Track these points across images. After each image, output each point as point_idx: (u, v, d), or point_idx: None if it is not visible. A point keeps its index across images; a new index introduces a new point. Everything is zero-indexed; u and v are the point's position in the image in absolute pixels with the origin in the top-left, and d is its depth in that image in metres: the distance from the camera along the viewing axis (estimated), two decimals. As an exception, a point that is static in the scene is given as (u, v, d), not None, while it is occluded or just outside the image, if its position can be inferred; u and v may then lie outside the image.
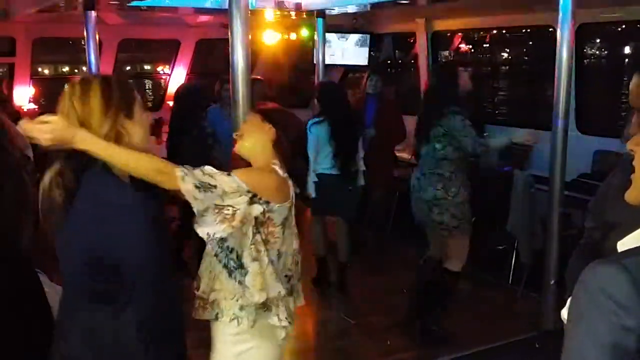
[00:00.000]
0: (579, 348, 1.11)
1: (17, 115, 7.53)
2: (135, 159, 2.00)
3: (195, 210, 2.12)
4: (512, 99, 8.45)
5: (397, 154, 6.99)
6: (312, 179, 5.09)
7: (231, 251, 2.27)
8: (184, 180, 2.04)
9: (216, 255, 2.31)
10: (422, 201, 4.41)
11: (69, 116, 1.98)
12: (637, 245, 1.17)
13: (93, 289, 1.98)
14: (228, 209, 2.14)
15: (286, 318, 2.37)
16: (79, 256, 1.98)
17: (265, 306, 2.31)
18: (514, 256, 5.34)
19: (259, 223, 2.26)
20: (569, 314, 1.17)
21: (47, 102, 8.88)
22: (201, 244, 2.37)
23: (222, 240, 2.25)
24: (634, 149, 1.33)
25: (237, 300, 2.29)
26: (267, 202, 2.25)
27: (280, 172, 2.35)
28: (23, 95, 8.41)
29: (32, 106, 8.47)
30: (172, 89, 9.36)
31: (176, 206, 6.00)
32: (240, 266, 2.27)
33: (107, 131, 1.99)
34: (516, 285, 5.24)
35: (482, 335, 4.50)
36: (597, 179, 5.29)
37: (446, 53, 8.22)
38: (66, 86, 2.06)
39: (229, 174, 2.16)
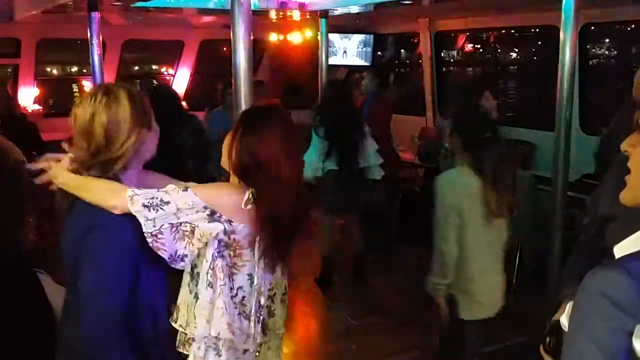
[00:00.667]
0: (581, 353, 1.10)
1: (21, 115, 7.58)
2: (92, 185, 1.97)
3: (146, 232, 1.89)
4: (516, 99, 8.43)
5: (401, 155, 7.00)
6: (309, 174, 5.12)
7: (198, 277, 2.05)
8: (132, 200, 1.90)
9: (188, 284, 2.09)
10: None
11: (93, 125, 1.97)
12: (636, 249, 1.16)
13: None
14: (185, 225, 1.93)
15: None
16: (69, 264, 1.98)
17: (215, 343, 2.06)
18: (518, 257, 5.33)
19: (224, 245, 2.00)
20: (570, 319, 1.16)
21: (52, 103, 8.92)
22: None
23: (193, 267, 2.06)
24: (628, 150, 1.33)
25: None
26: (229, 221, 1.98)
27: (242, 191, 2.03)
28: (28, 96, 8.44)
29: (37, 107, 8.50)
30: (176, 89, 9.40)
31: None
32: (194, 295, 2.05)
33: (133, 142, 1.98)
34: (520, 287, 5.23)
35: (485, 337, 4.49)
36: (601, 179, 5.28)
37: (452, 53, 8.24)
38: (88, 94, 2.02)
39: (185, 189, 1.96)
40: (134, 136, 1.98)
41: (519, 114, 8.09)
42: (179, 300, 2.14)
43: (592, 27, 6.20)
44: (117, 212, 1.91)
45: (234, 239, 2.00)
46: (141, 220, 1.89)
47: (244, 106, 2.85)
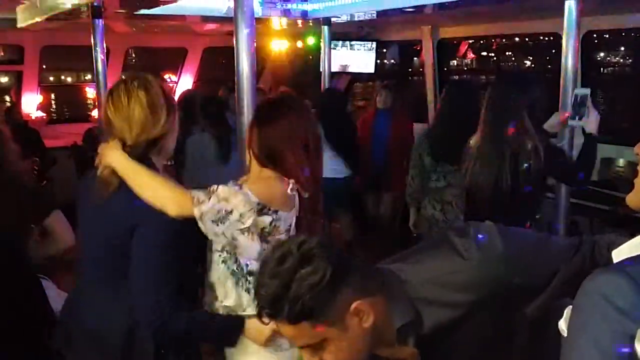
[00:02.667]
0: (582, 356, 1.09)
1: (23, 122, 7.61)
2: (155, 186, 2.02)
3: (223, 244, 2.13)
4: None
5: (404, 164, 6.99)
6: None
7: (236, 260, 2.21)
8: (202, 220, 2.02)
9: (224, 262, 2.23)
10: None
11: (134, 107, 2.05)
12: (635, 253, 1.16)
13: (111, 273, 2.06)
14: (252, 228, 2.11)
15: None
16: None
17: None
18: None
19: (266, 232, 2.18)
20: (569, 323, 1.15)
21: (55, 110, 8.96)
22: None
23: (227, 249, 2.21)
24: (638, 152, 1.33)
25: (242, 311, 2.22)
26: (276, 211, 2.17)
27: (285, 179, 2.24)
28: (31, 102, 8.47)
29: (40, 114, 8.52)
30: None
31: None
32: (248, 273, 2.20)
33: (159, 132, 2.08)
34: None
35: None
36: (604, 186, 5.26)
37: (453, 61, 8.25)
38: (118, 84, 2.12)
39: (240, 187, 2.11)
40: (170, 116, 2.10)
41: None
42: (211, 280, 2.25)
43: (595, 35, 6.20)
44: (171, 214, 2.00)
45: (276, 226, 2.17)
46: (211, 237, 2.08)
47: (246, 113, 2.86)
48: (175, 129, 2.19)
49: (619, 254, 1.23)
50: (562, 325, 1.21)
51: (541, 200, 3.63)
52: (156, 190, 2.00)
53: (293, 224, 2.27)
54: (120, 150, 2.04)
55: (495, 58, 8.85)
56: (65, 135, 7.81)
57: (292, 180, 2.19)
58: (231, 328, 2.15)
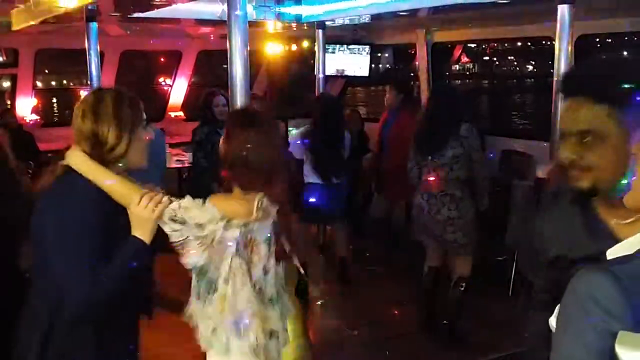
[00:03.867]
0: (568, 354, 1.13)
1: (17, 125, 7.59)
2: (123, 191, 2.08)
3: (175, 241, 2.17)
4: (512, 109, 8.47)
5: None
6: None
7: (204, 275, 2.29)
8: (162, 218, 2.12)
9: (197, 282, 2.32)
10: (434, 222, 4.53)
11: (82, 125, 2.11)
12: (626, 253, 1.18)
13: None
14: (207, 238, 2.19)
15: (263, 334, 2.34)
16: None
17: (236, 329, 2.29)
18: (514, 267, 5.34)
19: (241, 245, 2.25)
20: (557, 320, 1.18)
21: (49, 113, 8.94)
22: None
23: (201, 267, 2.27)
24: (637, 154, 1.34)
25: (209, 323, 2.30)
26: (246, 224, 2.25)
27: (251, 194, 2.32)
28: (25, 106, 8.45)
29: (35, 117, 8.51)
30: (173, 99, 9.42)
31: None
32: (214, 288, 2.28)
33: (113, 144, 2.09)
34: (516, 297, 5.23)
35: (481, 348, 4.49)
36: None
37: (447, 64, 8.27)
38: (82, 98, 2.20)
39: (204, 203, 2.20)
40: (113, 138, 2.09)
41: (515, 124, 8.11)
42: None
43: (588, 39, 6.23)
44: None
45: (250, 237, 2.27)
46: (167, 231, 2.14)
47: (240, 116, 2.86)
48: (139, 144, 2.17)
49: (612, 254, 1.24)
50: (552, 321, 1.23)
51: None
52: (110, 187, 2.07)
53: (272, 236, 2.35)
54: (78, 152, 2.10)
55: (497, 62, 8.90)
56: (59, 138, 7.79)
57: (259, 194, 2.28)
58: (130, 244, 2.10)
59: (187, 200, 2.18)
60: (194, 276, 2.32)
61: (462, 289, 4.71)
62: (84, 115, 2.11)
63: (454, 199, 4.45)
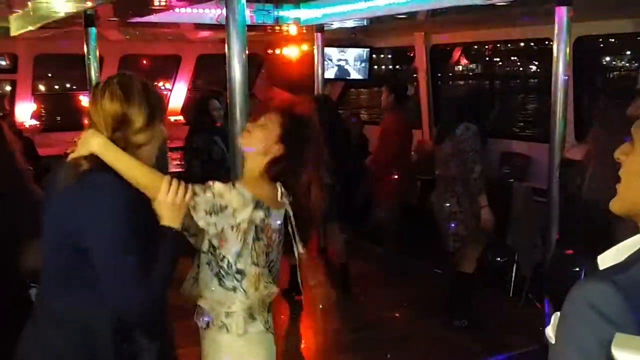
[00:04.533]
0: None
1: (18, 131, 7.59)
2: (149, 178, 2.03)
3: (211, 234, 2.18)
4: (511, 110, 8.48)
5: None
6: None
7: (222, 259, 2.28)
8: (195, 210, 2.11)
9: (208, 263, 2.31)
10: (440, 218, 4.75)
11: (108, 106, 2.02)
12: (620, 259, 1.17)
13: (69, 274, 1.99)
14: (243, 224, 2.20)
15: (270, 324, 2.40)
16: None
17: (250, 314, 2.31)
18: (514, 268, 5.34)
19: (259, 229, 2.27)
20: (557, 330, 1.16)
21: (49, 118, 8.95)
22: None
23: (214, 248, 2.27)
24: (621, 158, 1.35)
25: (226, 308, 2.30)
26: (268, 208, 2.27)
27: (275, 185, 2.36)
28: (25, 111, 8.46)
29: (34, 122, 8.51)
30: (173, 104, 9.43)
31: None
32: (237, 272, 2.27)
33: (140, 126, 2.03)
34: (517, 298, 5.24)
35: (482, 349, 4.49)
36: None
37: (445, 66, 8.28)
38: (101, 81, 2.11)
39: (233, 185, 2.19)
40: (151, 123, 2.04)
41: (514, 126, 8.11)
42: (192, 274, 2.39)
43: (587, 40, 6.24)
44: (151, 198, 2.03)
45: (266, 222, 2.27)
46: (203, 226, 2.15)
47: (239, 119, 2.87)
48: (157, 138, 2.12)
49: (604, 260, 1.24)
50: (550, 332, 1.22)
51: None
52: (136, 175, 2.01)
53: (281, 226, 2.37)
54: (100, 136, 2.01)
55: (496, 64, 8.91)
56: (59, 143, 7.79)
57: (279, 185, 2.32)
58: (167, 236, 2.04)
59: (218, 185, 2.16)
60: (206, 257, 2.31)
61: (460, 285, 4.76)
62: (112, 95, 2.02)
63: (454, 194, 4.61)
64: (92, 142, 2.01)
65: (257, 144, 2.37)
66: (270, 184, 2.32)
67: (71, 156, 2.05)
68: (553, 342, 1.18)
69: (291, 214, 2.39)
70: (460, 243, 4.70)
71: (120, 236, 1.89)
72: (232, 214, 2.16)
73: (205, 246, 2.30)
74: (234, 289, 2.28)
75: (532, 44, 7.46)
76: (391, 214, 6.33)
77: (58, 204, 2.00)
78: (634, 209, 1.28)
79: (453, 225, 4.64)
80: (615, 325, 1.04)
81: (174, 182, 2.04)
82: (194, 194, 2.10)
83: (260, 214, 2.24)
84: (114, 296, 1.91)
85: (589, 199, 3.24)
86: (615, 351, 1.02)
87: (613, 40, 6.86)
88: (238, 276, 2.28)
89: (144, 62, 9.77)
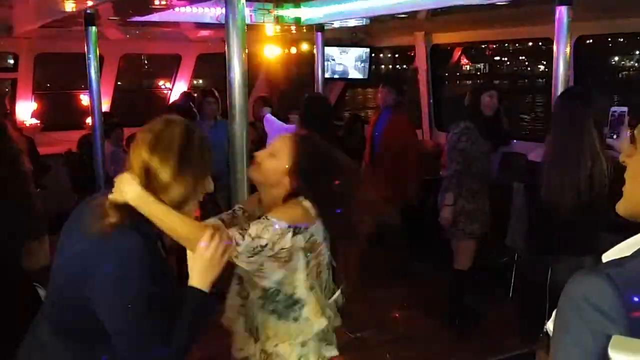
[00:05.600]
0: (565, 356, 1.14)
1: (18, 130, 7.60)
2: (189, 228, 1.90)
3: (251, 270, 2.13)
4: (512, 110, 8.46)
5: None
6: None
7: (277, 294, 2.19)
8: (237, 259, 2.03)
9: (263, 306, 2.22)
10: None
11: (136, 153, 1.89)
12: (620, 256, 1.19)
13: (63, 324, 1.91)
14: (282, 253, 2.10)
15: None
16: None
17: (324, 337, 2.28)
18: (514, 269, 5.34)
19: (307, 250, 2.17)
20: (554, 323, 1.19)
21: (49, 117, 8.95)
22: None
23: (265, 289, 2.21)
24: (625, 161, 1.35)
25: (298, 339, 2.21)
26: (307, 227, 2.16)
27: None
28: (25, 110, 8.47)
29: (34, 121, 8.52)
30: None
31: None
32: (294, 302, 2.19)
33: (166, 183, 1.87)
34: (517, 298, 5.23)
35: (482, 349, 4.49)
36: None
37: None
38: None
39: (266, 218, 2.09)
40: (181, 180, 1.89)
41: (514, 126, 8.11)
42: (236, 329, 2.30)
43: (587, 40, 6.24)
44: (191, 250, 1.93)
45: (313, 240, 2.18)
46: (245, 267, 2.09)
47: (238, 119, 2.87)
48: (194, 197, 1.96)
49: (607, 258, 1.26)
50: (550, 326, 1.25)
51: None
52: (174, 225, 1.89)
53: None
54: (135, 183, 1.85)
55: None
56: (59, 142, 7.80)
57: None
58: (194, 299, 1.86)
59: (254, 228, 2.05)
60: (255, 301, 2.23)
61: (454, 282, 4.86)
62: (141, 140, 1.88)
63: (449, 188, 4.69)
64: (127, 190, 1.86)
65: (267, 176, 2.26)
66: (299, 205, 2.19)
67: (110, 198, 1.88)
68: (552, 334, 1.22)
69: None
70: (448, 234, 4.79)
71: (132, 305, 1.75)
72: (270, 248, 2.06)
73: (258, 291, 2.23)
74: (296, 320, 2.21)
75: (531, 43, 7.43)
76: (393, 214, 6.32)
77: (74, 254, 1.88)
78: (638, 210, 1.29)
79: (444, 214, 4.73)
80: (608, 318, 1.07)
81: (217, 235, 1.87)
82: (236, 244, 1.99)
83: (302, 239, 2.13)
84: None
85: (547, 199, 3.30)
86: (612, 353, 1.04)
87: (617, 39, 6.84)
88: (297, 306, 2.20)
89: (144, 61, 9.78)
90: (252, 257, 2.05)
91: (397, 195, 6.08)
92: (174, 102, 7.54)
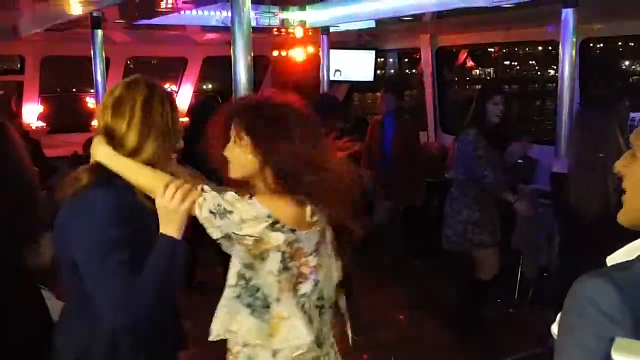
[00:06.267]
0: (569, 358, 1.14)
1: (24, 132, 7.63)
2: (153, 182, 1.93)
3: (214, 237, 1.93)
4: (518, 113, 8.45)
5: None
6: None
7: (257, 290, 2.01)
8: (200, 207, 1.90)
9: (239, 296, 2.04)
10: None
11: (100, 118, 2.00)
12: (625, 259, 1.19)
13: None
14: (248, 239, 1.91)
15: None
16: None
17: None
18: (520, 272, 5.33)
19: (288, 256, 1.97)
20: (559, 325, 1.19)
21: (55, 120, 8.98)
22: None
23: (245, 279, 2.03)
24: (622, 171, 1.35)
25: (270, 344, 2.02)
26: (292, 230, 1.95)
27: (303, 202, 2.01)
28: (32, 112, 8.50)
29: (41, 124, 8.55)
30: (179, 105, 9.45)
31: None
32: (266, 305, 2.01)
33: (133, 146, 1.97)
34: (522, 301, 5.22)
35: (488, 351, 4.48)
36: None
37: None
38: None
39: (250, 198, 1.93)
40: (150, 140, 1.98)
41: (520, 128, 8.09)
42: (216, 313, 2.09)
43: (593, 42, 6.23)
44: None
45: (297, 247, 1.98)
46: (206, 226, 1.92)
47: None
48: (161, 152, 2.00)
49: (612, 260, 1.27)
50: (554, 329, 1.25)
51: None
52: (140, 180, 1.96)
53: (325, 244, 2.10)
54: (103, 143, 1.97)
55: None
56: (65, 144, 7.83)
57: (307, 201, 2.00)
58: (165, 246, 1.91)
59: (230, 194, 1.93)
60: (236, 284, 2.05)
61: (473, 292, 4.75)
62: (104, 105, 2.00)
63: (452, 197, 4.63)
64: (97, 152, 1.98)
65: (236, 167, 2.05)
66: (294, 202, 1.97)
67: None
68: (556, 337, 1.21)
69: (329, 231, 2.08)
70: (457, 246, 4.64)
71: (102, 250, 1.84)
72: (237, 223, 1.89)
73: (233, 278, 2.05)
74: (266, 321, 2.02)
75: (540, 47, 7.43)
76: (397, 215, 6.34)
77: (58, 218, 2.02)
78: None
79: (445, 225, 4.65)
80: (612, 320, 1.07)
81: (172, 185, 1.88)
82: (203, 191, 1.91)
83: (279, 237, 1.93)
84: (102, 310, 1.87)
85: (576, 207, 3.23)
86: (615, 355, 1.04)
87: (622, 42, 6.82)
88: (265, 305, 2.02)
89: (150, 64, 9.80)
90: (215, 216, 1.89)
91: (407, 197, 6.11)
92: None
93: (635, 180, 1.30)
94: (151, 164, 1.98)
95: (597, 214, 3.12)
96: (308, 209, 1.99)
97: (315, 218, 2.01)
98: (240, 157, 2.02)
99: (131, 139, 1.96)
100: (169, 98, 2.07)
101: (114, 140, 1.97)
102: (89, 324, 1.97)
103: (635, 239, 1.23)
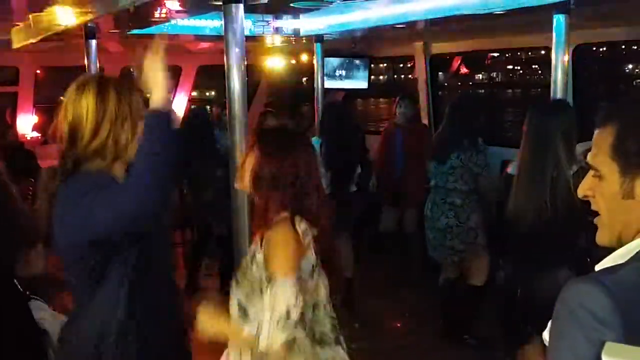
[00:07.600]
0: None
1: (19, 143, 7.62)
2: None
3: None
4: (509, 119, 8.48)
5: None
6: None
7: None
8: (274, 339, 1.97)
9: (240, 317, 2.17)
10: (435, 230, 4.65)
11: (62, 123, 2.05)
12: (614, 264, 1.20)
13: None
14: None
15: None
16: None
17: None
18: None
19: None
20: (550, 329, 1.20)
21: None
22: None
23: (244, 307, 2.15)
24: (587, 194, 1.33)
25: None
26: (299, 269, 2.06)
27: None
28: (26, 123, 8.49)
29: (35, 134, 8.54)
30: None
31: (190, 230, 6.11)
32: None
33: (101, 142, 2.02)
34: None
35: (487, 355, 4.48)
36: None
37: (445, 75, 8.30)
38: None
39: (284, 283, 1.96)
40: (99, 135, 2.03)
41: (514, 134, 8.10)
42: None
43: (586, 48, 6.24)
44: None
45: (301, 278, 2.03)
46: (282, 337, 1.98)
47: (238, 130, 2.88)
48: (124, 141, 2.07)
49: (601, 267, 1.27)
50: (546, 335, 1.25)
51: None
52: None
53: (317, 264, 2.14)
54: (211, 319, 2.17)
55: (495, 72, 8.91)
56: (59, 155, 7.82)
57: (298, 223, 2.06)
58: None
59: (268, 300, 1.99)
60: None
61: (469, 298, 4.75)
62: (64, 118, 2.07)
63: (453, 207, 4.56)
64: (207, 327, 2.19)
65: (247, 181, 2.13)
66: (291, 237, 2.02)
67: None
68: (548, 343, 1.23)
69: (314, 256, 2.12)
70: (457, 256, 4.66)
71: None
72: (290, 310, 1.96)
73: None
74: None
75: (535, 53, 7.45)
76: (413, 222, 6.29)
77: (56, 210, 2.07)
78: (624, 231, 1.26)
79: (449, 239, 4.61)
80: (603, 324, 1.08)
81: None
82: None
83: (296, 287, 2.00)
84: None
85: (513, 214, 3.20)
86: (605, 358, 1.05)
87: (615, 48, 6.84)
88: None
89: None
90: (283, 326, 1.93)
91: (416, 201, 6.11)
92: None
93: (608, 199, 1.28)
94: (114, 146, 2.04)
95: (529, 223, 3.10)
96: (300, 228, 2.04)
97: (307, 239, 2.06)
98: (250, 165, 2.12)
99: (88, 127, 2.03)
100: (124, 84, 2.20)
101: (75, 142, 2.03)
102: (99, 319, 2.00)
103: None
